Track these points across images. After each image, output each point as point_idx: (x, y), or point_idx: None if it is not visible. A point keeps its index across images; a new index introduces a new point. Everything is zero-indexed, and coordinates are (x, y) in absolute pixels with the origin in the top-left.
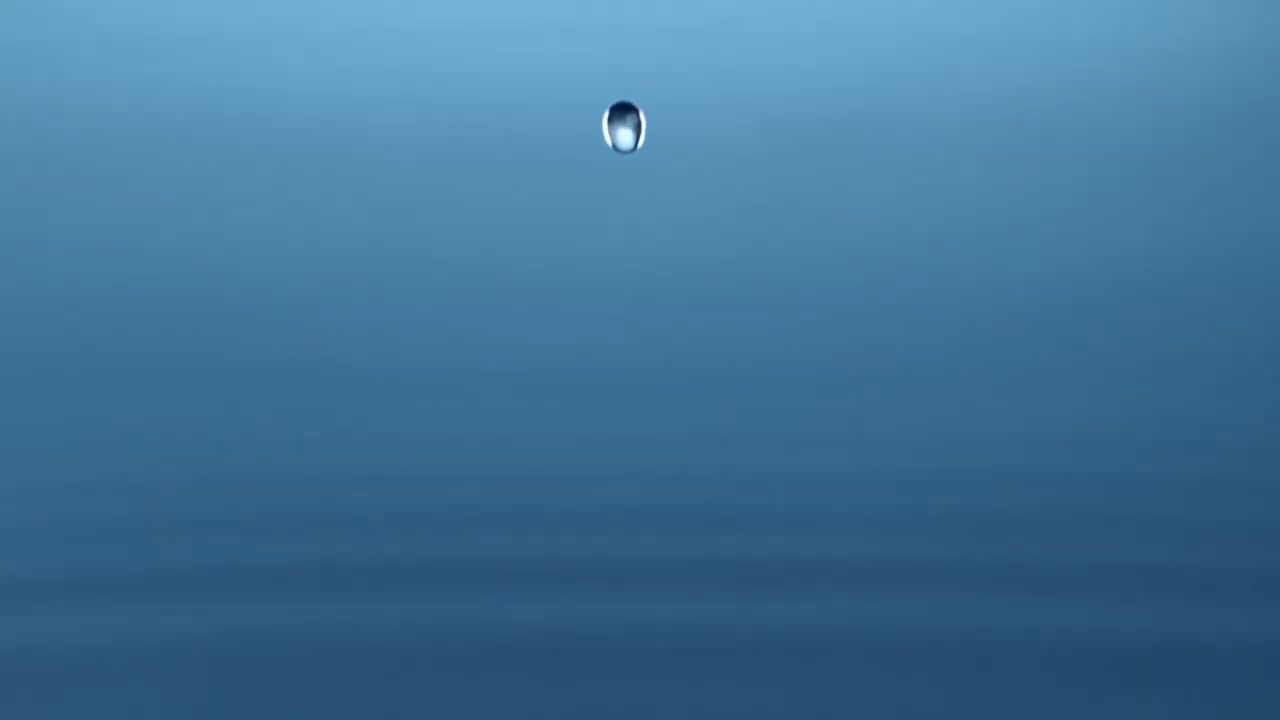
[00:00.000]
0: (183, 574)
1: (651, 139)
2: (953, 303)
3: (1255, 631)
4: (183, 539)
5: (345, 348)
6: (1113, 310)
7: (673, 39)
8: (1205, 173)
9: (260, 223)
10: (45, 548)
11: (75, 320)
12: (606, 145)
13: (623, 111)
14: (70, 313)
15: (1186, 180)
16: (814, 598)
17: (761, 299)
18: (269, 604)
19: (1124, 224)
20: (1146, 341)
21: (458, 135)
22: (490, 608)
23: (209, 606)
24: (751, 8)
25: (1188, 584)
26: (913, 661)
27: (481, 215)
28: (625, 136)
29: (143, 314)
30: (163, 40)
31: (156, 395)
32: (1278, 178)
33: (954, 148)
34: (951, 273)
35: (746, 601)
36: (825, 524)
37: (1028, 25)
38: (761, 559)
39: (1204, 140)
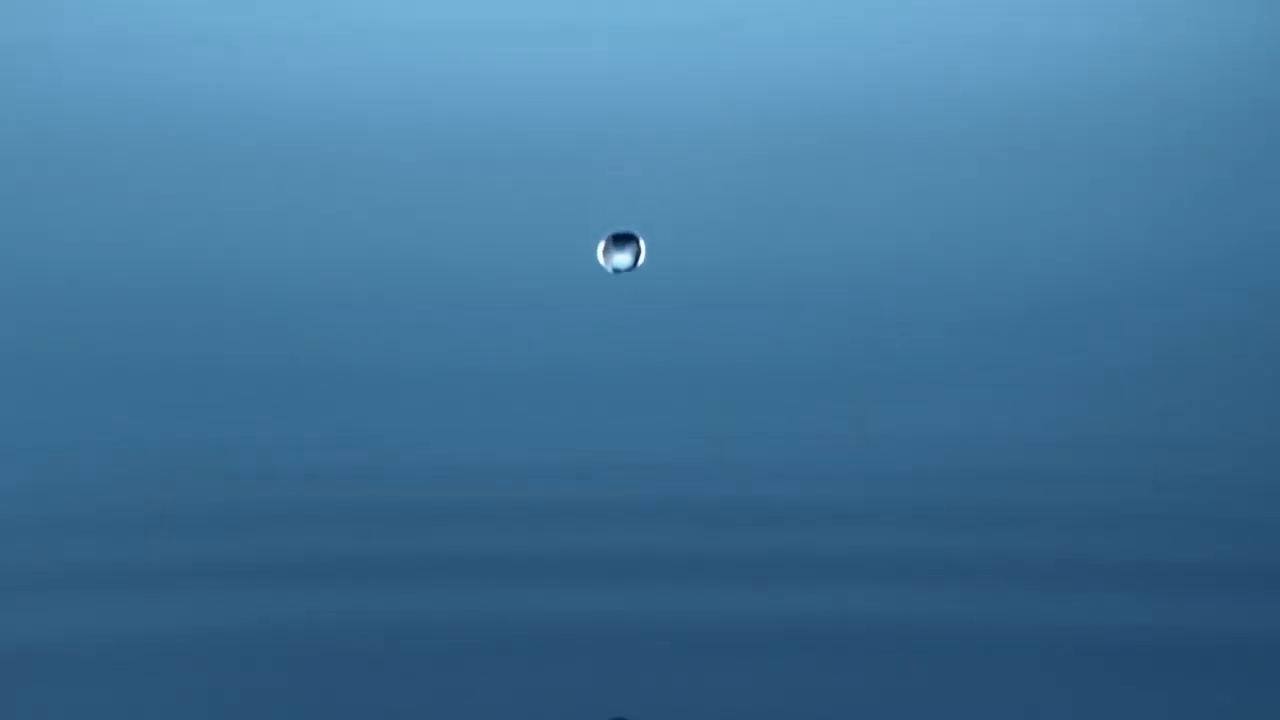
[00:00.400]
0: (180, 568)
1: (652, 138)
2: (953, 303)
3: (1253, 627)
4: (181, 534)
5: (345, 347)
6: (1113, 310)
7: (673, 39)
8: (1205, 173)
9: (260, 223)
10: (46, 543)
11: (75, 320)
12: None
13: (622, 240)
14: (70, 313)
15: (1186, 180)
16: (814, 590)
17: (761, 299)
18: (268, 597)
19: (1124, 224)
20: (1146, 341)
21: (458, 135)
22: (492, 600)
23: (206, 600)
24: (751, 8)
25: (1184, 579)
26: (913, 653)
27: (481, 215)
28: (623, 260)
29: (143, 314)
30: (163, 40)
31: (156, 394)
32: (1278, 178)
33: (954, 148)
34: (951, 273)
35: (745, 594)
36: (824, 520)
37: (1028, 25)
38: (760, 553)
39: (1204, 140)
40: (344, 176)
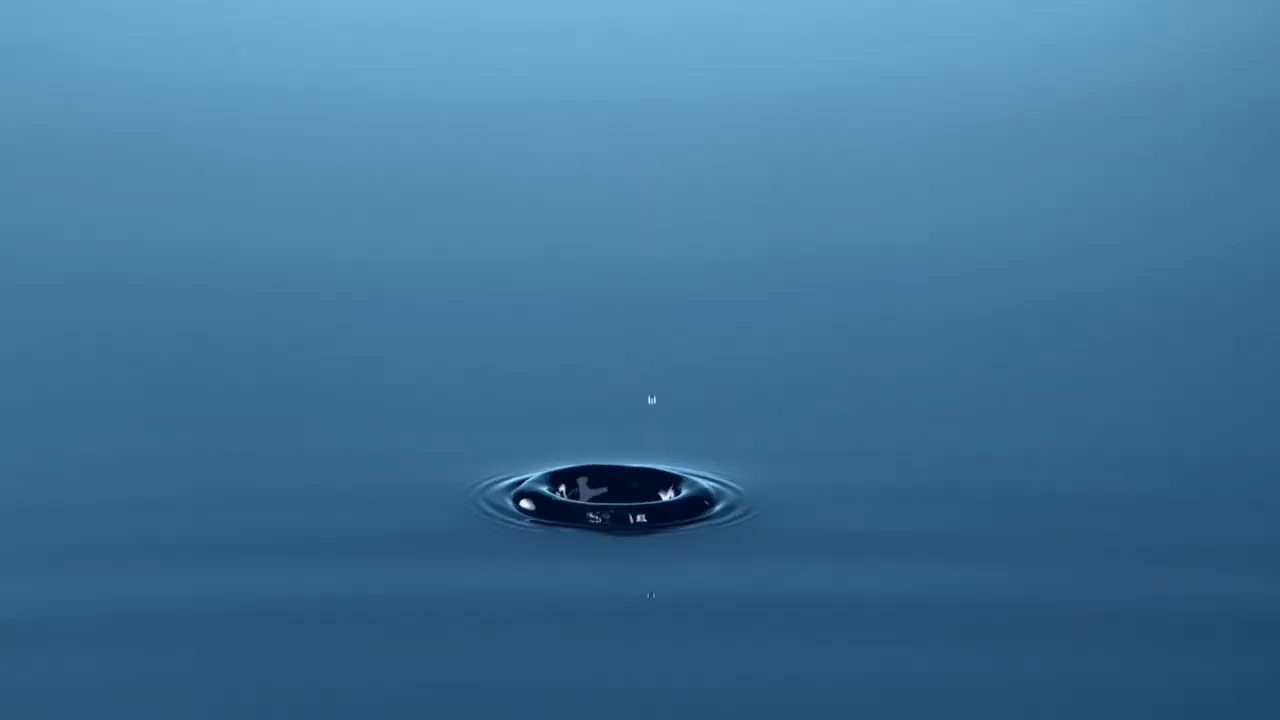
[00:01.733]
0: (169, 551)
1: (653, 137)
2: (953, 303)
3: (1248, 607)
4: (178, 521)
5: (344, 346)
6: (1113, 310)
7: (673, 39)
8: (1205, 173)
9: (260, 223)
10: (46, 529)
11: (74, 319)
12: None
13: None
14: (70, 312)
15: (1186, 180)
16: (815, 577)
17: (761, 298)
18: (266, 580)
19: (1124, 224)
20: (1146, 341)
21: (458, 135)
22: (495, 586)
23: (202, 584)
24: (751, 8)
25: (1177, 562)
26: (925, 635)
27: (481, 215)
28: None
29: (141, 313)
30: (163, 40)
31: (154, 392)
32: (1278, 178)
33: (954, 148)
34: (951, 272)
35: (746, 580)
36: (821, 515)
37: (1028, 25)
38: (757, 543)
39: (1204, 140)
40: (344, 176)
